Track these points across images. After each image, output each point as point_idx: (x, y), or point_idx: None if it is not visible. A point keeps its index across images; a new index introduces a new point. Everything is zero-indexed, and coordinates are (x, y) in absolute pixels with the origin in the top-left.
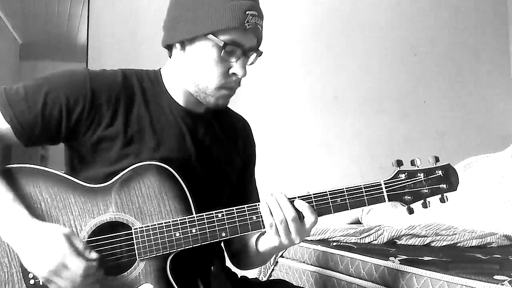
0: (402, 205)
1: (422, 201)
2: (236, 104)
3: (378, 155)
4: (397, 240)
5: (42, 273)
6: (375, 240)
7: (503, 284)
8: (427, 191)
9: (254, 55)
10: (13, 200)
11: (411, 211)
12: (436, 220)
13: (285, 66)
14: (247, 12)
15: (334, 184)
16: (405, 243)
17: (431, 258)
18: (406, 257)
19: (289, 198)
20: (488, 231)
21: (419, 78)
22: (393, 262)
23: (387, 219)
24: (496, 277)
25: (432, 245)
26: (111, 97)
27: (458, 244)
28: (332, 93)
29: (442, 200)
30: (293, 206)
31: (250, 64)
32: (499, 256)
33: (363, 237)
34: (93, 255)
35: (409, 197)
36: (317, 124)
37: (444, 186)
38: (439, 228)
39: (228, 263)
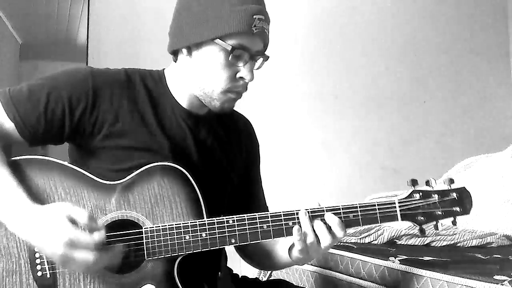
0: (414, 225)
1: (434, 222)
2: (236, 107)
3: (378, 155)
4: (397, 240)
5: (55, 258)
6: (375, 240)
7: (503, 284)
8: (440, 213)
9: (261, 59)
10: (25, 195)
11: (423, 232)
12: None
13: (285, 66)
14: (254, 16)
15: (333, 184)
16: (405, 243)
17: (431, 258)
18: (406, 257)
19: (316, 210)
20: (488, 231)
21: (419, 78)
22: (393, 262)
23: None
24: (496, 277)
25: (432, 245)
26: (114, 94)
27: (458, 244)
28: (332, 93)
29: (454, 223)
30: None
31: (257, 69)
32: (499, 256)
33: (363, 237)
34: (99, 224)
35: (422, 218)
36: (317, 124)
37: (458, 209)
38: None
39: (229, 263)
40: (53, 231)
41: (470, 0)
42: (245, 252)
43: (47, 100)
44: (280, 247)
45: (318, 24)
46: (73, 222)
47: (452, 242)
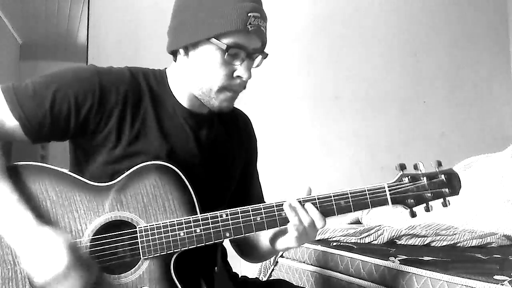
0: (405, 208)
1: (425, 205)
2: (235, 104)
3: (378, 155)
4: (397, 240)
5: (40, 280)
6: (375, 240)
7: (503, 284)
8: (429, 195)
9: (260, 57)
10: (18, 202)
11: (413, 215)
12: (436, 220)
13: (285, 66)
14: (249, 14)
15: (334, 184)
16: (405, 243)
17: (431, 258)
18: (406, 257)
19: (298, 200)
20: (488, 231)
21: (419, 78)
22: (393, 262)
23: (387, 219)
24: (496, 277)
25: (432, 245)
26: (120, 94)
27: (458, 244)
28: (332, 93)
29: (444, 204)
30: (305, 210)
31: (256, 67)
32: (499, 256)
33: (363, 237)
34: (94, 268)
35: (412, 201)
36: (317, 124)
37: (447, 190)
38: (439, 228)
39: (229, 263)
40: (50, 260)
41: (470, 1)
42: (237, 244)
43: (53, 99)
44: (263, 237)
45: (318, 24)
46: (73, 256)
47: (452, 242)
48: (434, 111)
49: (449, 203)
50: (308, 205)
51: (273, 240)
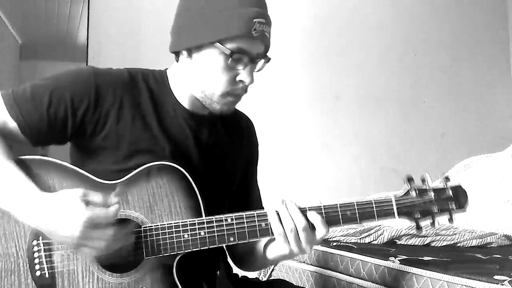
0: (411, 221)
1: (431, 219)
2: (236, 105)
3: (379, 155)
4: (397, 240)
5: (72, 241)
6: (375, 240)
7: (503, 284)
8: (436, 210)
9: (262, 61)
10: (25, 179)
11: (419, 228)
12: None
13: (285, 66)
14: (254, 20)
15: (334, 184)
16: (405, 243)
17: (431, 258)
18: (406, 257)
19: (301, 208)
20: (488, 231)
21: (419, 78)
22: (393, 262)
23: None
24: (496, 277)
25: (432, 245)
26: (116, 94)
27: (458, 244)
28: (332, 93)
29: (450, 220)
30: (305, 216)
31: (258, 71)
32: (499, 256)
33: (363, 237)
34: (114, 199)
35: (418, 215)
36: (317, 124)
37: (454, 206)
38: (439, 228)
39: (230, 264)
40: (70, 213)
41: (470, 0)
42: (231, 251)
43: (49, 100)
44: (262, 244)
45: (318, 25)
46: (87, 203)
47: (452, 242)
48: (434, 111)
49: (455, 219)
50: (312, 213)
51: (266, 246)
